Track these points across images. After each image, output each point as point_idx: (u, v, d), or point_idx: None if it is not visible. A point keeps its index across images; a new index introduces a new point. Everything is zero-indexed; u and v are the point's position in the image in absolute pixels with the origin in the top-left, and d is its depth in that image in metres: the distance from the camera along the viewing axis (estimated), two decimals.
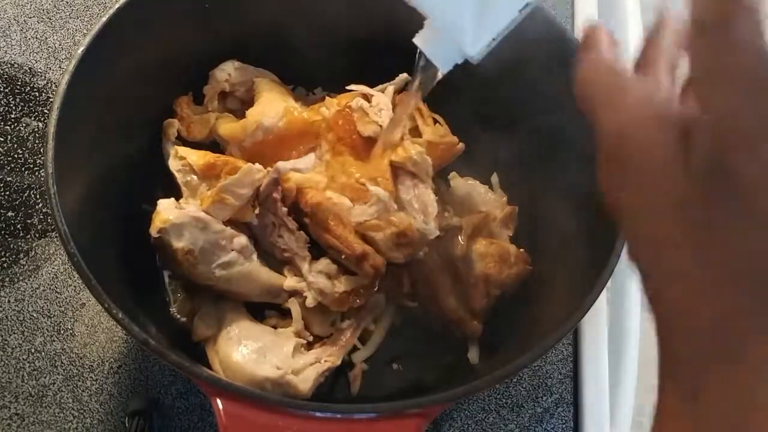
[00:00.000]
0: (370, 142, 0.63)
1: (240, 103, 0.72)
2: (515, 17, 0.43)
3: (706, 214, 0.28)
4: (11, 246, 0.70)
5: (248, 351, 0.57)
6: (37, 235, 0.71)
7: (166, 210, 0.57)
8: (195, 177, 0.61)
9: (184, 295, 0.64)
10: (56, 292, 0.68)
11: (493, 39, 0.44)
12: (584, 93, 0.34)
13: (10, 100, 0.78)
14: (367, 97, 0.65)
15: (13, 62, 0.81)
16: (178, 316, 0.63)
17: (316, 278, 0.59)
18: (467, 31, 0.44)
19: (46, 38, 0.82)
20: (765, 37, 0.26)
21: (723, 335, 0.28)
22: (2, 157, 0.75)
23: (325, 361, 0.59)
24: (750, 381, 0.27)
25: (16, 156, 0.75)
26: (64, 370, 0.65)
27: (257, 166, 0.60)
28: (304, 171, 0.63)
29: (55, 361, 0.65)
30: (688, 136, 0.29)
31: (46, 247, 0.71)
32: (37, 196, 0.73)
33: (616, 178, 0.32)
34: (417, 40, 0.46)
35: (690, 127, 0.29)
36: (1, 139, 0.76)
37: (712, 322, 0.28)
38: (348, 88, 0.66)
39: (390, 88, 0.69)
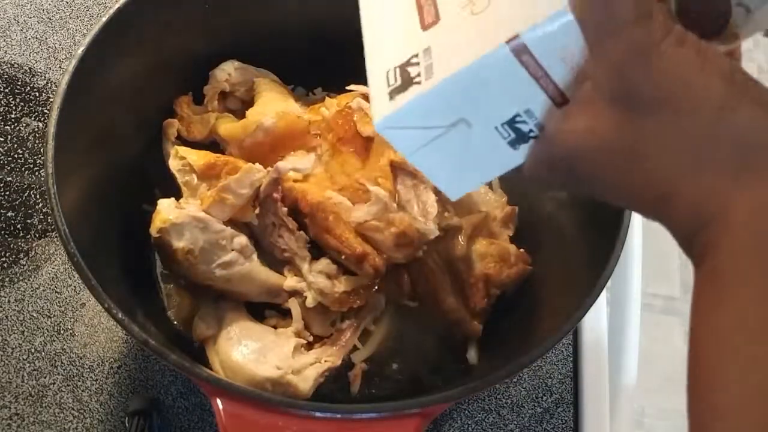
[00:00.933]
0: (370, 142, 0.63)
1: (240, 103, 0.72)
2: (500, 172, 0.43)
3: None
4: (11, 246, 0.70)
5: (248, 351, 0.57)
6: (37, 235, 0.71)
7: (166, 210, 0.57)
8: (195, 177, 0.61)
9: (179, 301, 0.64)
10: (56, 292, 0.68)
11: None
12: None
13: (10, 100, 0.78)
14: (367, 97, 0.65)
15: (13, 62, 0.81)
16: (175, 323, 0.63)
17: (316, 278, 0.59)
18: (446, 183, 0.44)
19: (46, 38, 0.82)
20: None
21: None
22: (2, 157, 0.75)
23: (325, 361, 0.59)
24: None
25: (16, 156, 0.75)
26: (64, 370, 0.65)
27: (257, 166, 0.60)
28: (304, 171, 0.63)
29: (55, 361, 0.65)
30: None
31: (46, 247, 0.71)
32: (37, 196, 0.73)
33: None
34: None
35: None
36: (1, 139, 0.76)
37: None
38: (348, 88, 0.66)
39: None
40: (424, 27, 0.40)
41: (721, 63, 0.32)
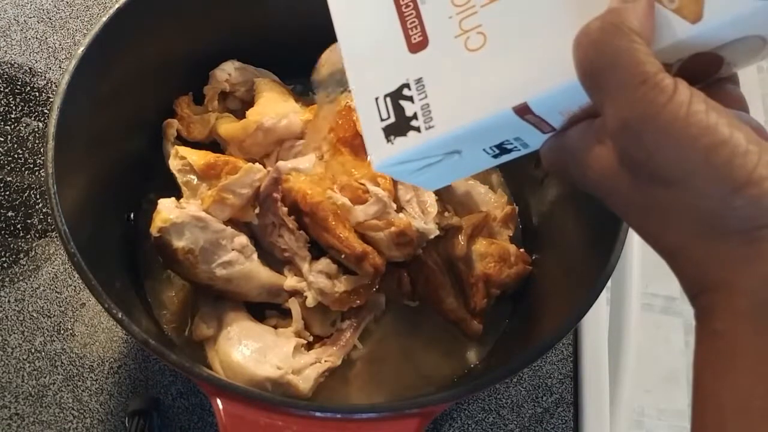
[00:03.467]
0: None
1: (240, 103, 0.72)
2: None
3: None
4: (11, 246, 0.70)
5: (248, 351, 0.57)
6: (37, 235, 0.71)
7: (166, 209, 0.57)
8: (195, 177, 0.61)
9: (175, 311, 0.64)
10: (56, 292, 0.68)
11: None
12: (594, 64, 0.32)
13: (10, 100, 0.78)
14: None
15: (13, 62, 0.81)
16: (170, 335, 0.63)
17: (316, 278, 0.59)
18: (425, 184, 0.44)
19: (46, 38, 0.82)
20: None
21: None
22: (2, 157, 0.75)
23: (326, 361, 0.59)
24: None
25: (16, 156, 0.75)
26: (64, 370, 0.65)
27: (257, 166, 0.60)
28: (304, 171, 0.63)
29: (55, 361, 0.65)
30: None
31: (46, 247, 0.71)
32: (37, 196, 0.73)
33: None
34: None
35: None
36: (1, 139, 0.76)
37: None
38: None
39: None
40: (412, 48, 0.39)
41: (727, 135, 0.30)
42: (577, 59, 0.33)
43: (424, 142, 0.38)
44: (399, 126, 0.39)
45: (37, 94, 0.79)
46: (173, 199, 0.59)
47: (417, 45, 0.39)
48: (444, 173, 0.42)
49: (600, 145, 0.34)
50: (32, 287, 0.68)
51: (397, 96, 0.39)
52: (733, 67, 0.35)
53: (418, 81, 0.39)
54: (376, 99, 0.40)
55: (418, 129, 0.38)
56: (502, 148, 0.39)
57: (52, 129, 0.53)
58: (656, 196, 0.33)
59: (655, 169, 0.32)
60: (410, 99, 0.39)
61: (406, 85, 0.39)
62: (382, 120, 0.39)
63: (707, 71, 0.34)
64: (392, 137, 0.39)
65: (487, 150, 0.40)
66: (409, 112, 0.39)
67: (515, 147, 0.39)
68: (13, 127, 0.77)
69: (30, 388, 0.64)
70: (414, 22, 0.39)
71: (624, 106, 0.31)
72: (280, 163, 0.61)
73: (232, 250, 0.58)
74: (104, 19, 0.58)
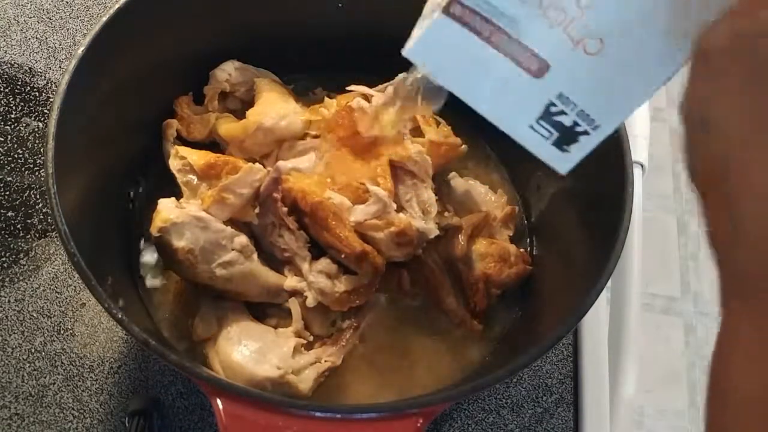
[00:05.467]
0: (370, 142, 0.63)
1: (240, 103, 0.72)
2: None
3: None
4: (11, 246, 0.70)
5: (248, 351, 0.57)
6: (37, 235, 0.71)
7: (166, 209, 0.57)
8: (195, 177, 0.61)
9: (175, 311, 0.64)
10: (56, 292, 0.68)
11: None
12: None
13: (10, 100, 0.78)
14: (367, 97, 0.65)
15: (13, 62, 0.81)
16: (170, 335, 0.63)
17: (316, 278, 0.59)
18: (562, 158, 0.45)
19: (46, 38, 0.82)
20: None
21: None
22: (2, 157, 0.75)
23: (325, 361, 0.59)
24: None
25: (16, 156, 0.75)
26: (64, 370, 0.65)
27: (257, 166, 0.60)
28: (304, 171, 0.63)
29: (55, 361, 0.65)
30: None
31: (46, 247, 0.71)
32: (37, 196, 0.73)
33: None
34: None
35: None
36: (1, 139, 0.76)
37: None
38: (348, 88, 0.66)
39: (390, 88, 0.69)
40: (536, 74, 0.41)
41: None
42: None
43: (598, 140, 0.42)
44: (566, 136, 0.42)
45: (37, 94, 0.79)
46: (173, 199, 0.59)
47: (539, 71, 0.41)
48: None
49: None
50: (32, 287, 0.68)
51: (548, 115, 0.42)
52: None
53: (560, 96, 0.41)
54: (531, 126, 0.43)
55: (586, 132, 0.42)
56: None
57: (52, 129, 0.53)
58: None
59: None
60: (562, 113, 0.42)
61: (551, 104, 0.42)
62: (547, 139, 0.43)
63: None
64: (565, 147, 0.43)
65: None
66: (568, 123, 0.42)
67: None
68: (13, 127, 0.77)
69: (30, 388, 0.64)
70: (525, 53, 0.41)
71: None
72: (280, 163, 0.61)
73: (232, 250, 0.58)
74: (104, 19, 0.58)
